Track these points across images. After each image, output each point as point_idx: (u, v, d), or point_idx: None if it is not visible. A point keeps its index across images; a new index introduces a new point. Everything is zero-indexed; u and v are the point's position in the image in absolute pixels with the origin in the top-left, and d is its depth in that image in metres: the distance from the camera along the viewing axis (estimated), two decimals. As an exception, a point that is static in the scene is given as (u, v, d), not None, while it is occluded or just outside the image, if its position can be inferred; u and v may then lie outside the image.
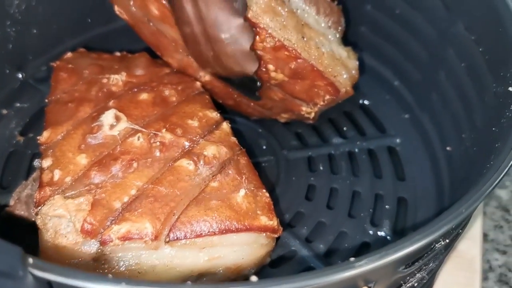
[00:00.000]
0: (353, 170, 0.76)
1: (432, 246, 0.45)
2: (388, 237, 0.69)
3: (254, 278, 0.40)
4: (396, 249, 0.41)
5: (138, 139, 0.61)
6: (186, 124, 0.64)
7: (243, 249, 0.59)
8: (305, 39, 0.65)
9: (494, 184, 0.46)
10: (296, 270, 0.65)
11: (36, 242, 0.58)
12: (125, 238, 0.55)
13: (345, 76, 0.68)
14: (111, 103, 0.66)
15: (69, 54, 0.76)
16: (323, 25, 0.68)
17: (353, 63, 0.69)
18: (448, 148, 0.71)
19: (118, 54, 0.78)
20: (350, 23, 0.77)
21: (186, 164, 0.60)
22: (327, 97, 0.69)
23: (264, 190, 0.61)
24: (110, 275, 0.55)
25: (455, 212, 0.43)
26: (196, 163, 0.60)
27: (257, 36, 0.64)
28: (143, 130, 0.62)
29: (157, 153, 0.61)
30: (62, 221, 0.56)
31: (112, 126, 0.63)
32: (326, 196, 0.73)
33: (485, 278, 0.76)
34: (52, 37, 0.83)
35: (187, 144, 0.62)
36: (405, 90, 0.82)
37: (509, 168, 0.47)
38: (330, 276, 0.39)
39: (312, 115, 0.73)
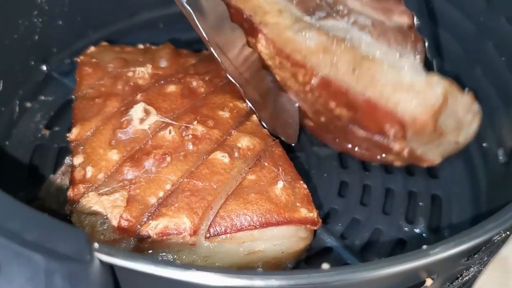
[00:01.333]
0: (385, 167, 0.74)
1: (494, 238, 0.44)
2: (424, 234, 0.67)
3: (325, 266, 0.39)
4: (470, 237, 0.40)
5: (170, 133, 0.60)
6: (217, 115, 0.63)
7: (283, 242, 0.57)
8: (356, 71, 0.61)
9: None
10: (332, 266, 0.63)
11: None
12: (163, 233, 0.53)
13: (414, 103, 0.59)
14: (139, 96, 0.65)
15: (92, 48, 0.75)
16: (393, 55, 0.62)
17: (434, 91, 0.59)
18: (484, 145, 0.69)
19: (141, 46, 0.76)
20: None
21: (221, 156, 0.58)
22: (395, 128, 0.62)
23: (302, 182, 0.60)
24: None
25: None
26: (231, 155, 0.59)
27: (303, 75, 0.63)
28: (174, 123, 0.61)
29: (190, 146, 0.59)
30: (98, 218, 0.55)
31: (142, 120, 0.61)
32: (359, 193, 0.71)
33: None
34: (76, 29, 0.81)
35: (220, 136, 0.61)
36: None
37: None
38: (404, 264, 0.38)
39: (405, 152, 0.65)
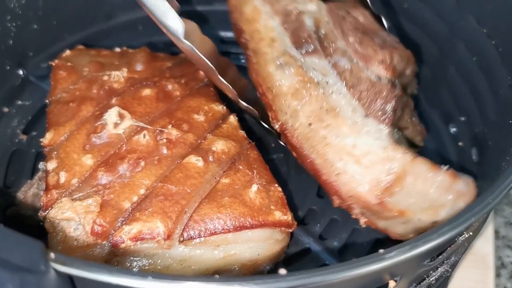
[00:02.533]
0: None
1: (456, 239, 0.44)
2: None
3: (283, 271, 0.39)
4: (425, 241, 0.40)
5: (144, 137, 0.60)
6: (192, 119, 0.63)
7: (258, 245, 0.57)
8: (312, 126, 0.57)
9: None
10: (311, 267, 0.63)
11: (43, 242, 0.56)
12: (137, 238, 0.53)
13: (358, 178, 0.55)
14: (113, 100, 0.64)
15: (67, 52, 0.74)
16: (358, 113, 0.58)
17: (387, 168, 0.54)
18: (460, 144, 0.70)
19: (118, 50, 0.76)
20: None
21: (195, 160, 0.58)
22: (338, 199, 0.58)
23: (276, 185, 0.60)
24: (135, 269, 0.54)
25: (482, 203, 0.42)
26: (205, 159, 0.59)
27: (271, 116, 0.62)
28: (149, 127, 0.61)
29: (164, 151, 0.59)
30: (71, 224, 0.54)
31: (116, 125, 0.61)
32: None
33: (497, 274, 0.75)
34: (52, 33, 0.81)
35: (194, 139, 0.60)
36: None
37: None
38: (360, 268, 0.38)
39: (361, 222, 0.60)
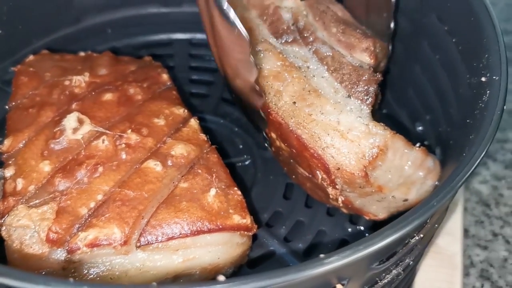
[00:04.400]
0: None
1: (406, 241, 0.44)
2: (367, 234, 0.67)
3: (221, 278, 0.39)
4: (367, 245, 0.40)
5: (103, 142, 0.59)
6: (152, 123, 0.62)
7: (218, 249, 0.57)
8: (296, 104, 0.59)
9: (464, 178, 0.44)
10: (275, 269, 0.63)
11: (3, 253, 0.56)
12: (93, 244, 0.53)
13: (344, 151, 0.57)
14: (74, 105, 0.64)
15: (31, 57, 0.74)
16: (342, 94, 0.60)
17: (370, 142, 0.56)
18: (425, 143, 0.69)
19: (82, 54, 0.76)
20: None
21: (153, 165, 0.58)
22: (322, 173, 0.60)
23: (236, 188, 0.60)
24: (71, 279, 0.53)
25: (426, 206, 0.42)
26: (164, 164, 0.58)
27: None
28: (108, 132, 0.60)
29: (123, 156, 0.59)
30: (27, 231, 0.54)
31: (75, 130, 0.61)
32: (305, 194, 0.71)
33: (466, 274, 0.75)
34: (19, 38, 0.80)
35: (153, 144, 0.60)
36: (382, 85, 0.79)
37: (480, 161, 0.46)
38: (300, 273, 0.38)
39: (339, 201, 0.62)
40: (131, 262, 0.55)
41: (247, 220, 0.57)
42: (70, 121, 0.61)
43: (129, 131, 0.60)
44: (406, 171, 0.58)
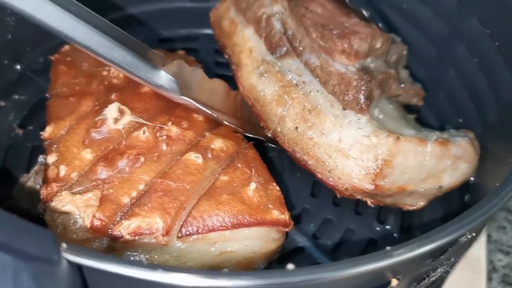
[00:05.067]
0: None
1: (459, 239, 0.45)
2: (395, 234, 0.68)
3: (290, 266, 0.40)
4: (432, 239, 0.40)
5: (144, 133, 0.60)
6: (191, 117, 0.63)
7: (254, 243, 0.58)
8: (299, 130, 0.61)
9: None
10: (304, 265, 0.64)
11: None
12: (136, 233, 0.54)
13: (348, 170, 0.59)
14: (113, 96, 0.65)
15: (66, 47, 0.74)
16: (338, 107, 0.61)
17: (372, 154, 0.57)
18: None
19: (116, 45, 0.76)
20: None
21: (194, 157, 0.59)
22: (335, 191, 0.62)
23: (274, 184, 0.61)
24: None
25: (490, 203, 0.42)
26: (204, 156, 0.59)
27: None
28: (148, 123, 0.61)
29: (164, 147, 0.60)
30: (70, 217, 0.55)
31: (116, 120, 0.61)
32: (332, 193, 0.70)
33: (489, 278, 0.76)
34: (50, 28, 0.80)
35: (193, 137, 0.61)
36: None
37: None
38: (367, 265, 0.39)
39: (369, 204, 0.63)
40: (170, 252, 0.55)
41: (286, 216, 0.58)
42: (112, 111, 0.62)
43: (169, 123, 0.61)
44: (427, 165, 0.58)
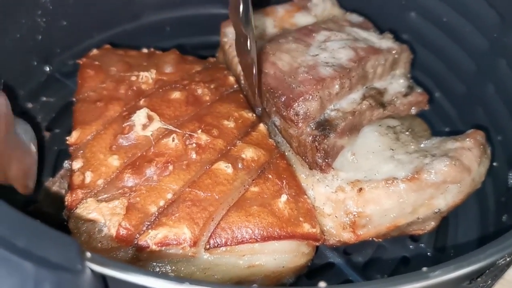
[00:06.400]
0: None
1: (497, 262, 0.43)
2: (428, 253, 0.66)
3: (322, 284, 0.39)
4: (470, 262, 0.39)
5: (173, 140, 0.58)
6: (222, 125, 0.62)
7: (283, 257, 0.56)
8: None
9: None
10: (334, 281, 0.63)
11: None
12: (162, 243, 0.52)
13: (327, 227, 0.61)
14: (141, 101, 0.63)
15: (94, 51, 0.73)
16: (306, 167, 0.62)
17: (343, 210, 0.60)
18: (494, 164, 0.67)
19: (145, 51, 0.75)
20: (391, 30, 0.73)
21: (224, 167, 0.57)
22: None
23: (306, 196, 0.59)
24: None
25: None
26: (234, 166, 0.57)
27: None
28: (178, 130, 0.59)
29: (193, 155, 0.58)
30: (96, 225, 0.53)
31: (144, 126, 0.60)
32: None
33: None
34: (80, 30, 0.80)
35: (224, 145, 0.59)
36: (446, 102, 0.78)
37: None
38: (403, 286, 0.38)
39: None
40: (197, 264, 0.54)
41: (317, 230, 0.56)
42: (140, 117, 0.60)
43: (199, 131, 0.60)
44: (408, 201, 0.58)
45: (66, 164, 0.63)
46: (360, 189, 0.58)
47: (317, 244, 0.58)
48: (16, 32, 0.70)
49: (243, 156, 0.59)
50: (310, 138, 0.61)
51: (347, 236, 0.60)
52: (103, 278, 0.39)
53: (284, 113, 0.61)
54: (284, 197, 0.56)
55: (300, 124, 0.61)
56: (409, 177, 0.58)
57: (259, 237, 0.54)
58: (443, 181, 0.58)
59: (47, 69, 0.78)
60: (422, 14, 0.77)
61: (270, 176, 0.58)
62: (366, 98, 0.65)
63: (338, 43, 0.66)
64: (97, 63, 0.70)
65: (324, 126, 0.61)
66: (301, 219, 0.56)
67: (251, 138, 0.62)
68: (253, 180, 0.57)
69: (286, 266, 0.56)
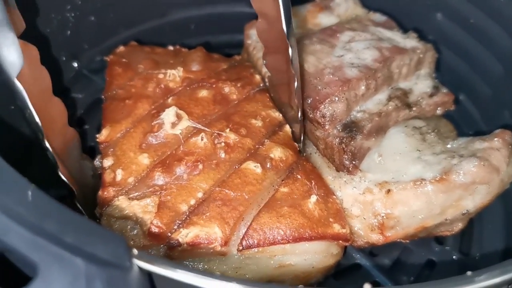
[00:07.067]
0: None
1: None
2: (454, 256, 0.66)
3: (367, 286, 0.41)
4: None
5: (202, 139, 0.58)
6: (250, 123, 0.62)
7: (314, 257, 0.56)
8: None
9: None
10: (361, 283, 0.61)
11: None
12: (194, 242, 0.52)
13: (356, 229, 0.60)
14: (170, 100, 0.63)
15: (121, 48, 0.73)
16: (332, 169, 0.62)
17: (371, 211, 0.59)
18: None
19: (171, 48, 0.75)
20: (416, 30, 0.73)
21: (253, 166, 0.57)
22: None
23: (335, 197, 0.59)
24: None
25: None
26: (263, 166, 0.57)
27: None
28: (206, 129, 0.59)
29: (222, 155, 0.58)
30: (128, 223, 0.54)
31: (173, 125, 0.60)
32: None
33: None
34: (108, 26, 0.80)
35: (252, 145, 0.59)
36: (471, 104, 0.77)
37: None
38: None
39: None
40: (228, 263, 0.54)
41: (347, 230, 0.56)
42: (169, 115, 0.60)
43: (228, 130, 0.60)
44: (436, 202, 0.58)
45: (97, 161, 0.63)
46: (388, 191, 0.58)
47: (347, 244, 0.58)
48: (46, 27, 0.70)
49: (272, 155, 0.59)
50: (337, 140, 0.61)
51: (376, 238, 0.60)
52: (149, 275, 0.39)
53: (311, 115, 0.61)
54: (314, 198, 0.56)
55: (327, 126, 0.61)
56: (438, 178, 0.58)
57: (290, 238, 0.54)
58: (472, 181, 0.58)
59: (75, 65, 0.78)
60: (449, 15, 0.76)
61: (299, 177, 0.58)
62: (392, 99, 0.65)
63: (362, 44, 0.66)
64: (124, 60, 0.71)
65: (351, 128, 0.61)
66: (331, 219, 0.56)
67: (279, 138, 0.62)
68: (282, 180, 0.57)
69: (315, 266, 0.57)
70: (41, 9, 0.69)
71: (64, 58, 0.76)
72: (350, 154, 0.60)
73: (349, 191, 0.60)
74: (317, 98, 0.61)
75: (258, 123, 0.62)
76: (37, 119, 0.52)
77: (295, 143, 0.63)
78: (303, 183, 0.58)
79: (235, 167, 0.57)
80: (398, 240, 0.61)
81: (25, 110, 0.52)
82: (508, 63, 0.70)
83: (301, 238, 0.54)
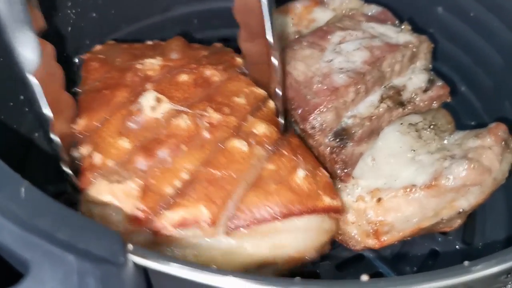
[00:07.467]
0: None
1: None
2: (457, 246, 0.65)
3: (364, 278, 0.40)
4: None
5: (185, 121, 0.56)
6: (233, 102, 0.59)
7: (306, 235, 0.54)
8: None
9: None
10: (364, 273, 0.61)
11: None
12: (180, 224, 0.50)
13: (352, 235, 0.60)
14: (149, 86, 0.61)
15: (98, 47, 0.71)
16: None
17: (365, 218, 0.59)
18: None
19: (150, 43, 0.73)
20: (417, 24, 0.73)
21: (239, 145, 0.55)
22: None
23: (323, 170, 0.57)
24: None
25: None
26: (249, 143, 0.55)
27: None
28: (189, 111, 0.57)
29: (206, 135, 0.56)
30: (110, 208, 0.51)
31: (153, 108, 0.58)
32: None
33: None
34: (109, 22, 0.78)
35: (237, 122, 0.57)
36: (472, 96, 0.76)
37: None
38: (446, 280, 0.37)
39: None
40: (218, 248, 0.52)
41: (338, 202, 0.55)
42: (148, 99, 0.58)
43: (211, 110, 0.58)
44: (429, 206, 0.57)
45: (75, 153, 0.61)
46: (379, 199, 0.58)
47: (340, 216, 0.56)
48: (47, 23, 0.68)
49: (255, 131, 0.57)
50: (328, 149, 0.60)
51: (372, 243, 0.59)
52: (145, 270, 0.38)
53: (302, 126, 0.61)
54: (301, 172, 0.55)
55: (317, 137, 0.60)
56: (427, 185, 0.57)
57: (279, 215, 0.52)
58: (463, 184, 0.57)
59: (77, 60, 0.76)
60: (449, 8, 0.75)
61: (285, 152, 0.56)
62: (384, 99, 0.63)
63: (353, 44, 0.65)
64: (101, 56, 0.69)
65: (342, 136, 0.60)
66: (320, 192, 0.54)
67: (262, 113, 0.60)
68: (269, 157, 0.55)
69: (308, 244, 0.55)
70: (42, 5, 0.67)
71: (65, 54, 0.75)
72: (342, 163, 0.59)
73: (344, 198, 0.59)
74: (306, 109, 0.60)
75: (241, 100, 0.60)
76: (48, 112, 0.53)
77: (279, 120, 0.62)
78: (289, 159, 0.56)
79: (220, 147, 0.55)
80: (396, 242, 0.61)
81: (36, 103, 0.53)
82: (508, 55, 0.69)
83: (291, 214, 0.52)
